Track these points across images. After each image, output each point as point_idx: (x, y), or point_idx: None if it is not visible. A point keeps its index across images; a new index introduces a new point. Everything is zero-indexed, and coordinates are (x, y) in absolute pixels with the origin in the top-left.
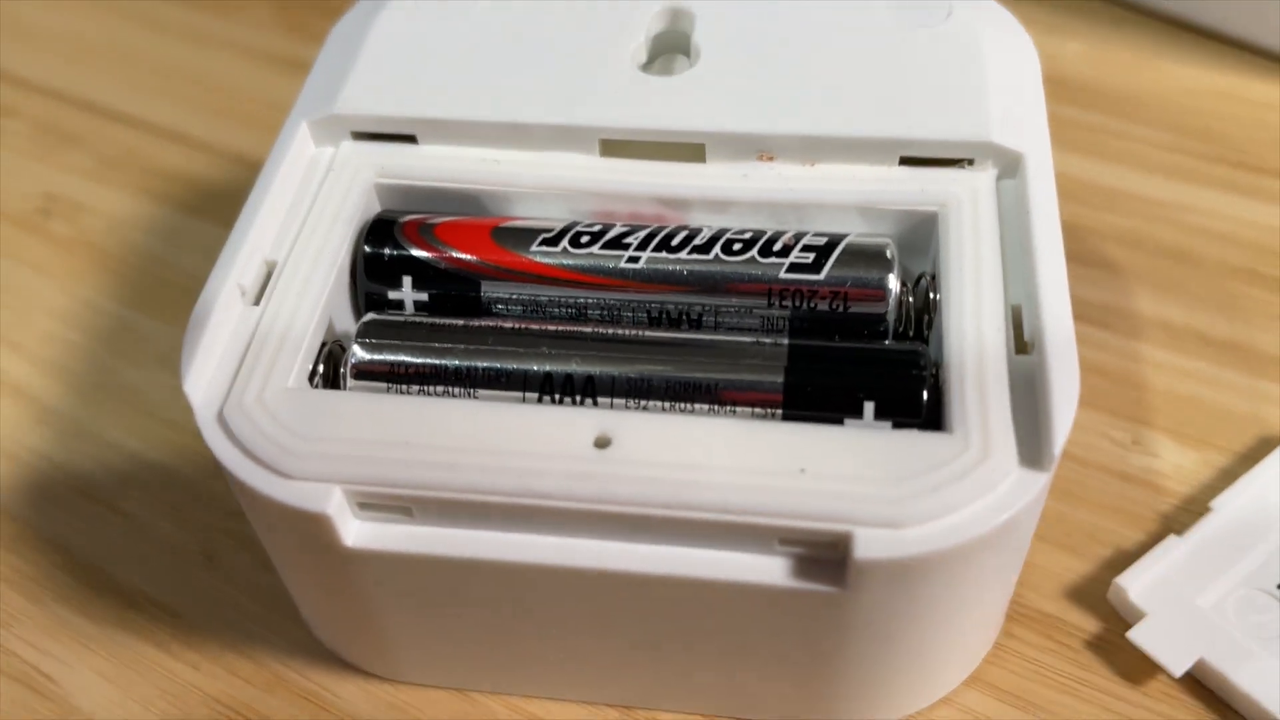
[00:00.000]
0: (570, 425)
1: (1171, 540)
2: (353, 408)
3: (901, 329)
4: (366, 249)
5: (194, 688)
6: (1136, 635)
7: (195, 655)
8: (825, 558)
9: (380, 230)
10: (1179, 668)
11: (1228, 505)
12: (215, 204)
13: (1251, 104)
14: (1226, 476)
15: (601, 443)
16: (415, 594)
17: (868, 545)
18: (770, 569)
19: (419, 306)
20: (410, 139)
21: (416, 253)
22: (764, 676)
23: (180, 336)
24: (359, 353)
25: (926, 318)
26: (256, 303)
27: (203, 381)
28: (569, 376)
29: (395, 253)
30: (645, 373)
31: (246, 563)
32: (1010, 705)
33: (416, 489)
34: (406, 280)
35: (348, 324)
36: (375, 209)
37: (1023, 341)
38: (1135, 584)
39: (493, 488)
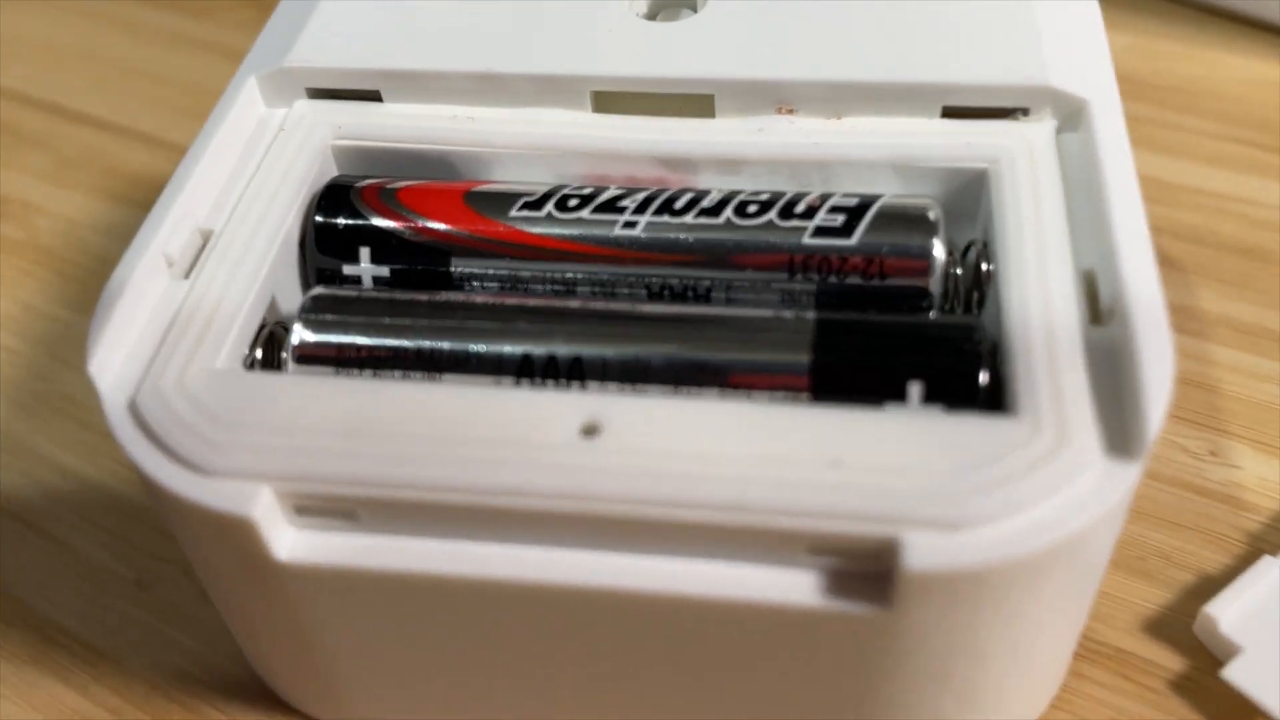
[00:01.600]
0: (552, 410)
1: (1266, 562)
2: (288, 392)
3: (948, 306)
4: (318, 217)
5: None
6: (1232, 674)
7: (117, 700)
8: (865, 570)
9: (335, 195)
10: None
11: None
12: None
13: None
14: None
15: (589, 430)
16: (362, 619)
17: (919, 552)
18: (796, 585)
19: (379, 284)
20: (373, 95)
21: (376, 221)
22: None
23: None
24: (302, 332)
25: (977, 294)
26: (186, 276)
27: (114, 364)
28: (551, 358)
29: (351, 220)
30: (641, 353)
31: (186, 594)
32: None
33: (363, 487)
34: (364, 252)
35: (295, 304)
36: (332, 173)
37: (1098, 311)
38: (1227, 613)
39: (456, 484)
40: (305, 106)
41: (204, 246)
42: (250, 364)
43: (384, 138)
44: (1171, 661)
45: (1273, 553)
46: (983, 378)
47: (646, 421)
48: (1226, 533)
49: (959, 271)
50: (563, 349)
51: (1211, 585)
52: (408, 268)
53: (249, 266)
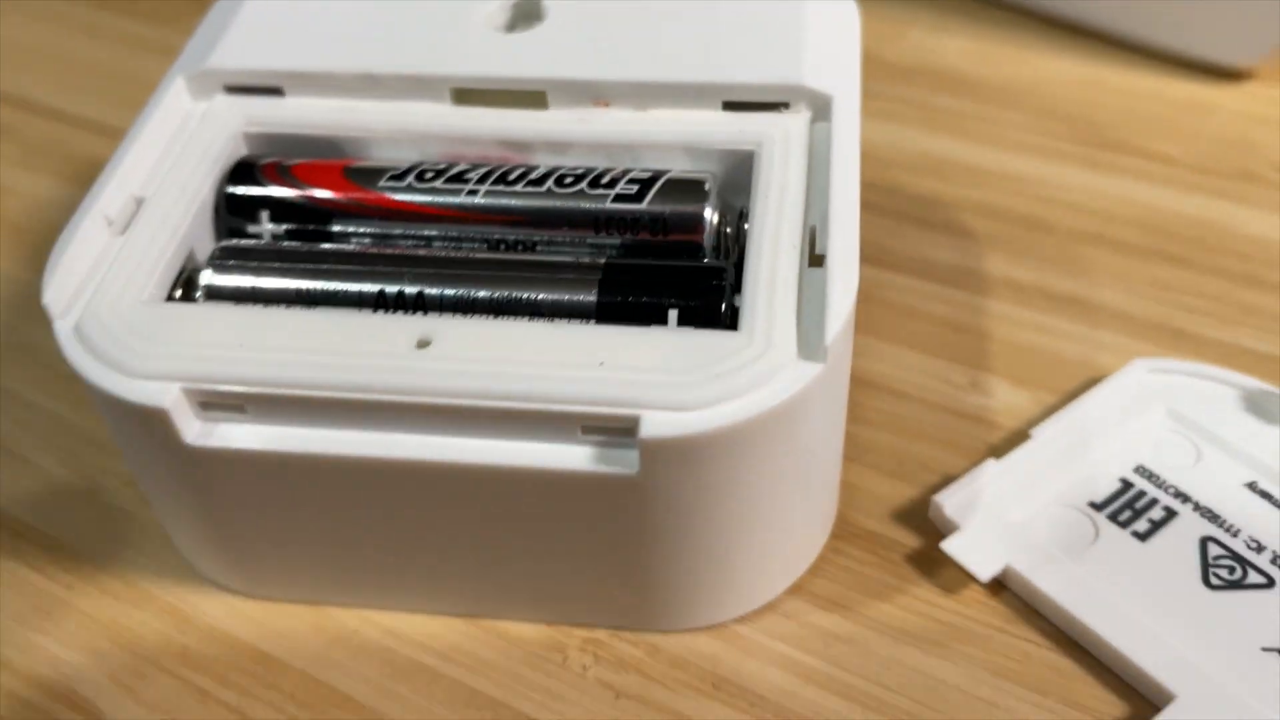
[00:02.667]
0: (394, 328)
1: (990, 463)
2: (196, 317)
3: (721, 258)
4: (228, 187)
5: (66, 604)
6: (948, 545)
7: (70, 577)
8: (621, 444)
9: (242, 170)
10: (986, 574)
11: (1044, 433)
12: None
13: (1113, 90)
14: (1052, 412)
15: (422, 343)
16: (256, 496)
17: (654, 426)
18: (573, 456)
19: (276, 240)
20: (277, 91)
21: (274, 190)
22: (584, 578)
23: None
24: (209, 273)
25: (737, 249)
26: (123, 233)
27: (63, 297)
28: (400, 294)
29: (254, 189)
30: (470, 290)
31: (130, 499)
32: (829, 610)
33: (247, 385)
34: (264, 214)
35: (206, 256)
36: (243, 154)
37: (816, 256)
38: (951, 501)
39: (318, 382)
40: (223, 101)
41: (137, 210)
42: (171, 300)
43: (285, 125)
44: (910, 540)
45: (998, 458)
46: (723, 306)
47: (464, 337)
48: (972, 445)
49: (729, 231)
50: (409, 286)
51: (950, 483)
52: (299, 227)
53: (172, 224)
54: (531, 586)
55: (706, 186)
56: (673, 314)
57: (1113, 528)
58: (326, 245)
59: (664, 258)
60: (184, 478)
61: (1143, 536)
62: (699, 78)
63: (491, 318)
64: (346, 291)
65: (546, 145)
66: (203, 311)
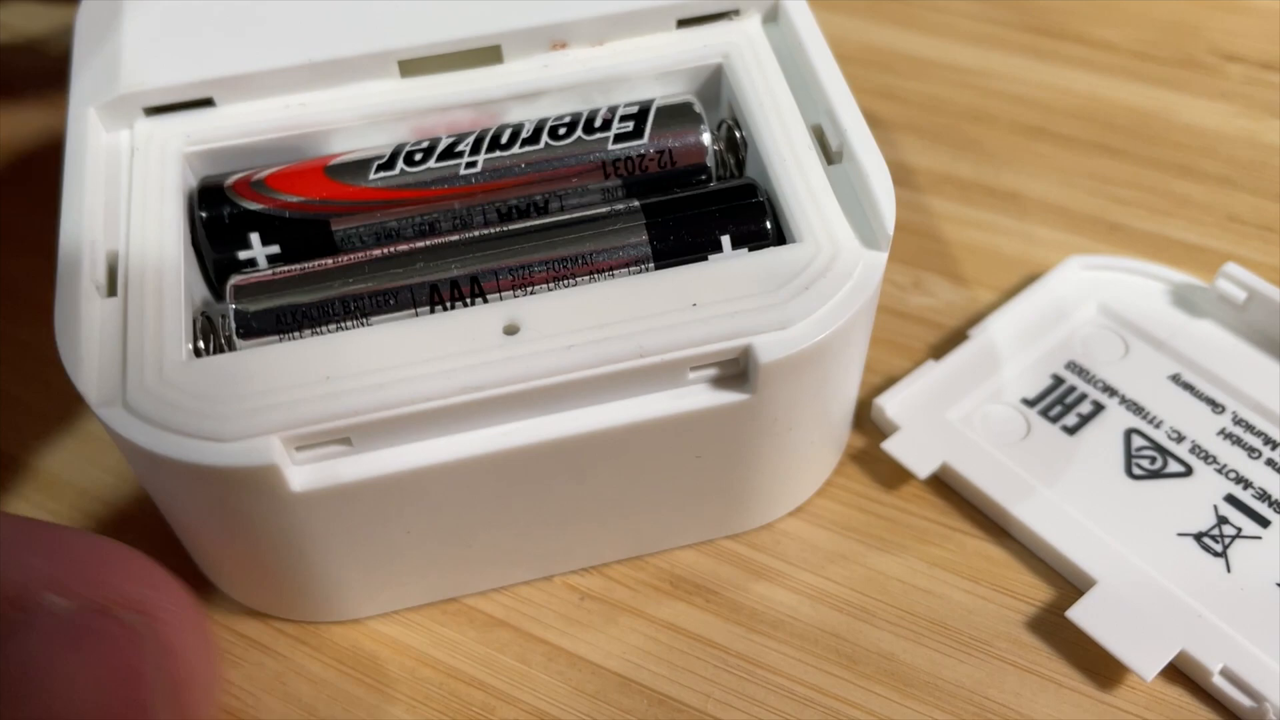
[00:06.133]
0: (474, 322)
1: (929, 364)
2: (259, 362)
3: (721, 173)
4: (204, 215)
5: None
6: (888, 445)
7: None
8: (731, 374)
9: (210, 195)
10: (924, 471)
11: (982, 333)
12: None
13: None
14: (990, 310)
15: (511, 330)
16: (358, 524)
17: (767, 350)
18: (688, 397)
19: (272, 260)
20: (207, 103)
21: (256, 207)
22: (680, 504)
23: None
24: (239, 312)
25: (734, 159)
26: (113, 294)
27: (93, 379)
28: (454, 284)
29: (234, 212)
30: (524, 264)
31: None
32: (797, 519)
33: (354, 416)
34: (254, 237)
35: (202, 295)
36: (192, 179)
37: (831, 154)
38: (891, 402)
39: (428, 394)
40: (146, 126)
41: (112, 266)
42: (197, 352)
43: (231, 136)
44: (853, 440)
45: (937, 358)
46: (768, 220)
47: (550, 313)
48: (914, 345)
49: (722, 146)
50: (460, 274)
51: (891, 385)
52: (295, 240)
53: (167, 272)
54: (627, 528)
55: (697, 109)
56: (724, 240)
57: (1043, 423)
58: (348, 256)
59: (672, 186)
60: (282, 527)
61: (1071, 430)
62: (649, 1)
63: (553, 286)
64: (396, 297)
65: (516, 99)
66: (264, 356)
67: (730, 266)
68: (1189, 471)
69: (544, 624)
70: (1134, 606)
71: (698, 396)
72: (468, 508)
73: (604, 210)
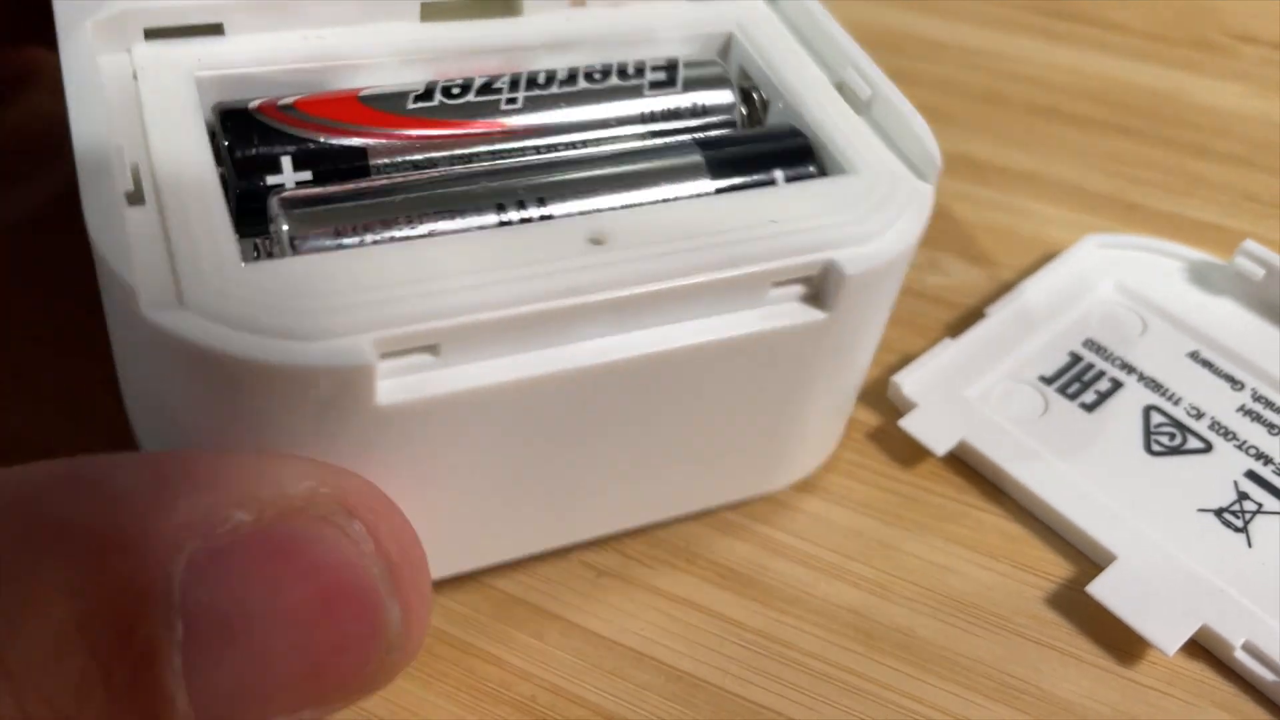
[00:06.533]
0: (559, 234)
1: (946, 342)
2: (334, 264)
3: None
4: (229, 138)
5: None
6: (906, 423)
7: None
8: (810, 292)
9: (235, 117)
10: (942, 448)
11: (999, 311)
12: None
13: None
14: (1007, 289)
15: (596, 240)
16: (420, 455)
17: (851, 263)
18: (772, 316)
19: (301, 187)
20: (215, 29)
21: (288, 129)
22: (723, 451)
23: None
24: (295, 226)
25: (754, 118)
26: (143, 203)
27: (144, 280)
28: (522, 207)
29: (264, 135)
30: (591, 194)
31: None
32: (793, 487)
33: (450, 318)
34: (285, 161)
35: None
36: (205, 105)
37: (860, 105)
38: (908, 380)
39: (525, 296)
40: (148, 50)
41: (137, 177)
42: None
43: (245, 64)
44: (870, 419)
45: (954, 336)
46: (815, 158)
47: (633, 226)
48: (930, 325)
49: (744, 109)
50: (529, 200)
51: (908, 363)
52: (330, 167)
53: (206, 182)
54: (684, 474)
55: (721, 66)
56: (778, 174)
57: (1062, 400)
58: (398, 177)
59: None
60: (348, 450)
61: (1090, 407)
62: None
63: (636, 208)
64: (462, 212)
65: (545, 46)
66: (337, 259)
67: (799, 190)
68: (1209, 448)
69: (560, 600)
70: (1154, 581)
71: (778, 314)
72: (531, 439)
73: (659, 144)
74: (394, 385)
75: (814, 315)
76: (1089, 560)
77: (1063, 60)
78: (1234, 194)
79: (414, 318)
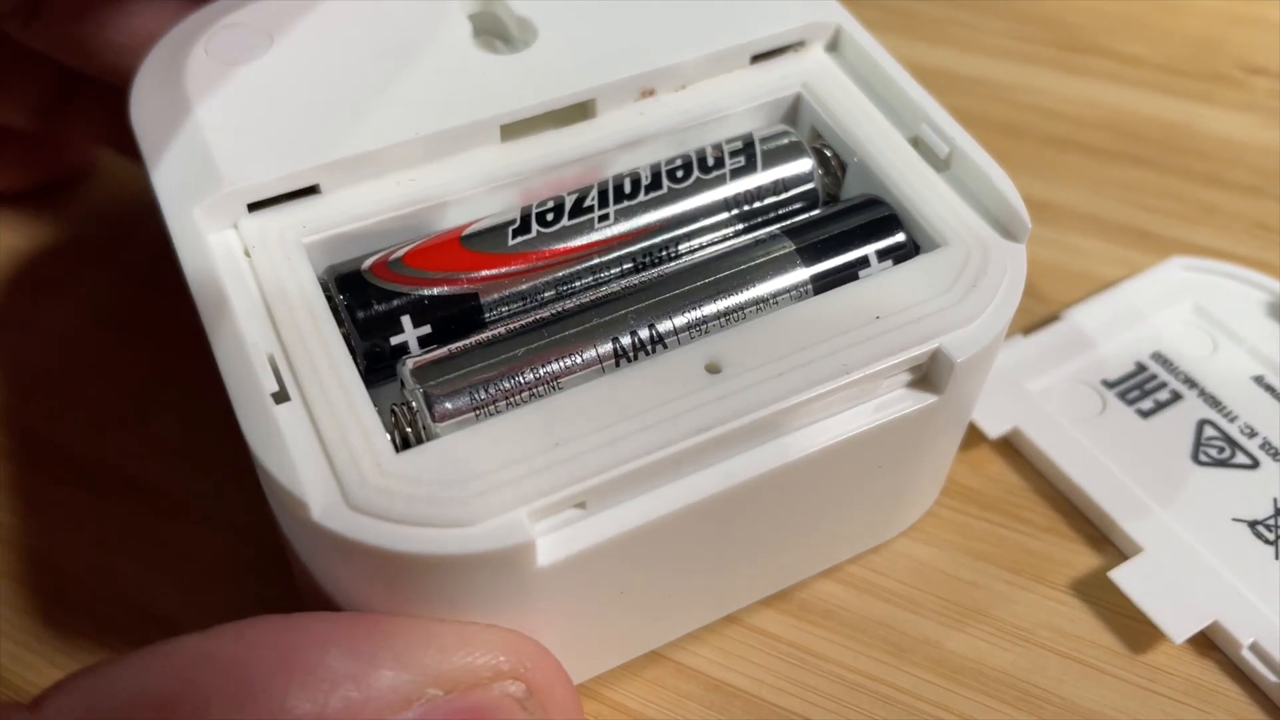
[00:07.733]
0: (678, 366)
1: (1016, 338)
2: (477, 441)
3: (825, 198)
4: (349, 304)
5: None
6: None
7: None
8: (919, 377)
9: (350, 283)
10: (995, 431)
11: (1074, 315)
12: None
13: None
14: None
15: (713, 369)
16: (580, 592)
17: (958, 348)
18: (885, 406)
19: (423, 342)
20: (312, 191)
21: (402, 289)
22: (854, 513)
23: None
24: (433, 398)
25: (829, 179)
26: (286, 399)
27: (310, 485)
28: (635, 338)
29: (381, 297)
30: (697, 309)
31: None
32: None
33: (594, 478)
34: (405, 320)
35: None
36: (315, 270)
37: (939, 162)
38: None
39: (658, 444)
40: (253, 223)
41: (274, 369)
42: (396, 446)
43: (347, 221)
44: None
45: (1025, 334)
46: (904, 231)
47: (747, 348)
48: None
49: (821, 171)
50: (640, 328)
51: None
52: (445, 317)
53: (343, 370)
54: (806, 549)
55: (795, 136)
56: (871, 254)
57: (1119, 404)
58: (517, 322)
59: (790, 214)
60: (515, 604)
61: (1146, 414)
62: (729, 42)
63: (733, 322)
64: (582, 355)
65: (622, 149)
66: (480, 435)
67: (894, 278)
68: (1255, 464)
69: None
70: (1175, 575)
71: (891, 403)
72: (680, 556)
73: (748, 242)
74: (549, 544)
75: (925, 399)
76: (1116, 549)
77: (1077, 92)
78: (1246, 222)
79: (561, 483)
